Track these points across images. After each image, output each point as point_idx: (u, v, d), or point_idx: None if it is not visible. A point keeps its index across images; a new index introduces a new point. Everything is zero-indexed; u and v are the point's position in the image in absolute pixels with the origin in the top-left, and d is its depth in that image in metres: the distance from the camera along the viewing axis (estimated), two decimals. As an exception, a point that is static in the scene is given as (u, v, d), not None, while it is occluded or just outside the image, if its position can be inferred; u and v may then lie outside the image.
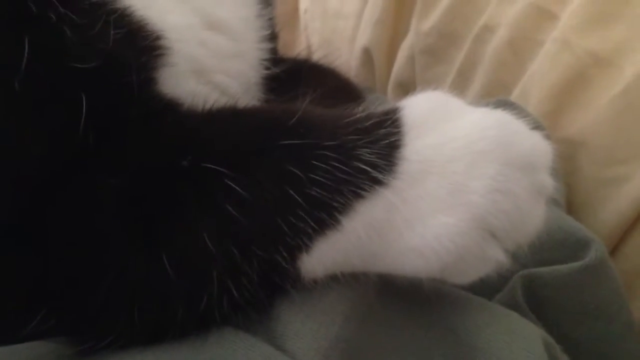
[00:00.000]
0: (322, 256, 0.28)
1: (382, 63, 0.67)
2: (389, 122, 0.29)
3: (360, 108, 0.30)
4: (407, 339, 0.30)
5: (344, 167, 0.27)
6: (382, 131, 0.28)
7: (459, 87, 0.57)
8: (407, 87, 0.64)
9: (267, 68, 0.40)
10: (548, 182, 0.29)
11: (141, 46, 0.30)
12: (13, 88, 0.26)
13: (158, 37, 0.31)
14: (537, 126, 0.44)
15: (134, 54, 0.29)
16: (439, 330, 0.31)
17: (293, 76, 0.44)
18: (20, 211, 0.27)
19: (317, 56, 0.80)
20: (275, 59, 0.43)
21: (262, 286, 0.28)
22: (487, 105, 0.45)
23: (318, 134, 0.28)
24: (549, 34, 0.50)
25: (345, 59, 0.74)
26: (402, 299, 0.32)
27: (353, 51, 0.72)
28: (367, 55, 0.69)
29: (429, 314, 0.32)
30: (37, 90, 0.27)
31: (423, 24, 0.60)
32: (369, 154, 0.27)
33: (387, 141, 0.28)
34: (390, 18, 0.67)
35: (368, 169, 0.27)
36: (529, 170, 0.28)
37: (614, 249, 0.44)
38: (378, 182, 0.27)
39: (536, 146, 0.29)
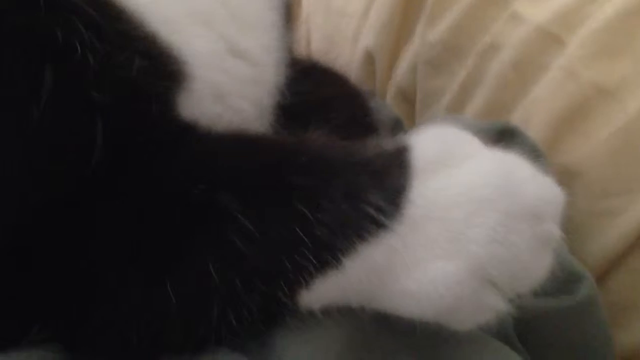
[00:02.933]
0: (321, 292, 0.28)
1: (384, 67, 0.67)
2: (398, 163, 0.29)
3: (371, 143, 0.30)
4: None
5: (352, 210, 0.28)
6: (392, 173, 0.29)
7: (459, 102, 0.57)
8: (407, 95, 0.64)
9: (283, 95, 0.39)
10: (554, 232, 0.29)
11: (164, 74, 0.29)
12: (32, 115, 0.26)
13: (181, 64, 0.30)
14: (536, 152, 0.45)
15: (156, 82, 0.29)
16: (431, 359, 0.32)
17: (304, 79, 0.44)
18: (25, 233, 0.27)
19: (316, 52, 0.80)
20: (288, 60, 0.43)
21: (260, 316, 0.28)
22: (489, 126, 0.46)
23: (329, 174, 0.29)
24: (554, 59, 0.50)
25: (345, 58, 0.73)
26: (396, 328, 0.33)
27: (354, 51, 0.71)
28: (369, 57, 0.69)
29: (421, 344, 0.32)
30: (55, 117, 0.27)
31: (429, 34, 0.60)
32: (376, 197, 0.28)
33: (395, 184, 0.28)
34: (396, 22, 0.66)
35: (374, 213, 0.28)
36: (533, 221, 0.28)
37: (601, 281, 0.45)
38: (383, 227, 0.28)
39: (543, 195, 0.30)
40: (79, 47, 0.27)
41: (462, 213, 0.28)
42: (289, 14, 0.45)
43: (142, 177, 0.28)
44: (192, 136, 0.31)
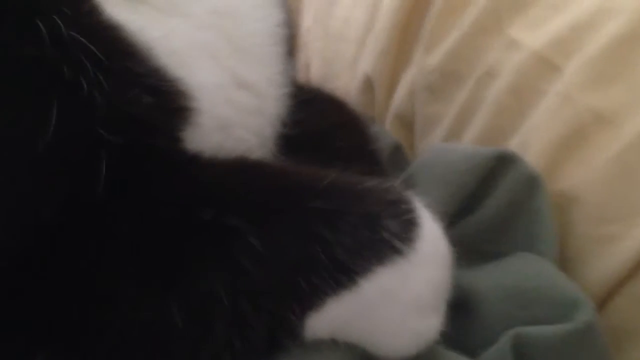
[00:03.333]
0: (330, 316, 0.29)
1: (383, 93, 0.67)
2: (407, 198, 0.31)
3: (379, 180, 0.32)
4: None
5: (370, 234, 0.29)
6: (403, 207, 0.30)
7: (458, 128, 0.57)
8: (406, 121, 0.64)
9: (285, 125, 0.40)
10: None
11: (172, 110, 0.30)
12: (36, 149, 0.26)
13: (189, 99, 0.31)
14: (533, 178, 0.45)
15: (164, 118, 0.30)
16: None
17: (305, 108, 0.44)
18: (29, 256, 0.27)
19: (315, 77, 0.80)
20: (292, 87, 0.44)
21: (265, 341, 0.28)
22: (487, 153, 0.46)
23: (345, 200, 0.30)
24: (552, 85, 0.50)
25: (345, 83, 0.74)
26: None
27: (354, 77, 0.72)
28: (368, 83, 0.69)
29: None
30: (60, 151, 0.27)
31: (427, 61, 0.60)
32: (393, 224, 0.29)
33: (407, 217, 0.30)
34: (394, 49, 0.67)
35: (391, 239, 0.29)
36: None
37: (602, 306, 0.45)
38: (399, 253, 0.29)
39: None
40: (85, 84, 0.27)
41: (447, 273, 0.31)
42: (293, 46, 0.45)
43: (147, 203, 0.29)
44: (198, 163, 0.31)
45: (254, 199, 0.30)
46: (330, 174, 0.31)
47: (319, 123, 0.46)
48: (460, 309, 0.41)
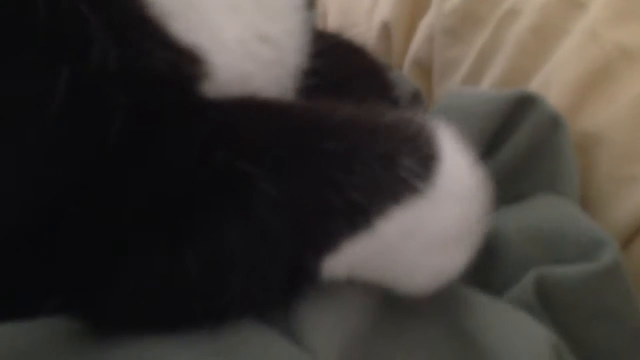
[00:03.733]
0: (347, 258, 0.28)
1: (401, 40, 0.66)
2: (429, 130, 0.30)
3: (398, 112, 0.31)
4: (419, 339, 0.31)
5: (387, 173, 0.28)
6: (422, 141, 0.29)
7: (477, 71, 0.56)
8: (424, 68, 0.63)
9: (305, 76, 0.39)
10: None
11: (188, 67, 0.29)
12: (49, 110, 0.26)
13: (207, 56, 0.30)
14: (556, 119, 0.44)
15: (180, 77, 0.29)
16: (449, 330, 0.32)
17: (325, 56, 0.44)
18: (43, 208, 0.27)
19: (332, 27, 0.79)
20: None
21: (282, 286, 0.28)
22: (507, 96, 0.45)
23: (360, 138, 0.29)
24: (576, 24, 0.49)
25: (362, 32, 0.72)
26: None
27: (371, 25, 0.70)
28: (385, 30, 0.68)
29: (438, 313, 0.32)
30: (72, 114, 0.27)
31: (446, 3, 0.59)
32: (410, 162, 0.28)
33: (426, 152, 0.29)
34: (412, -7, 0.65)
35: (409, 177, 0.28)
36: None
37: (625, 247, 0.44)
38: (416, 191, 0.28)
39: None
40: (97, 48, 0.26)
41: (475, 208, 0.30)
42: None
43: (159, 150, 0.28)
44: (212, 107, 0.30)
45: (265, 141, 0.29)
46: (344, 109, 0.30)
47: (338, 71, 0.44)
48: (485, 251, 0.41)
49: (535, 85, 0.50)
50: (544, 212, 0.41)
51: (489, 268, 0.40)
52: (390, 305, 0.31)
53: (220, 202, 0.28)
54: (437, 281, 0.31)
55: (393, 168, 0.28)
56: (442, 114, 0.46)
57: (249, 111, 0.31)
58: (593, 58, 0.46)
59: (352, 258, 0.29)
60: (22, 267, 0.28)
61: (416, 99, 0.58)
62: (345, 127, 0.29)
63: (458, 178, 0.30)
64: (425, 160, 0.29)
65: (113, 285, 0.27)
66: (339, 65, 0.45)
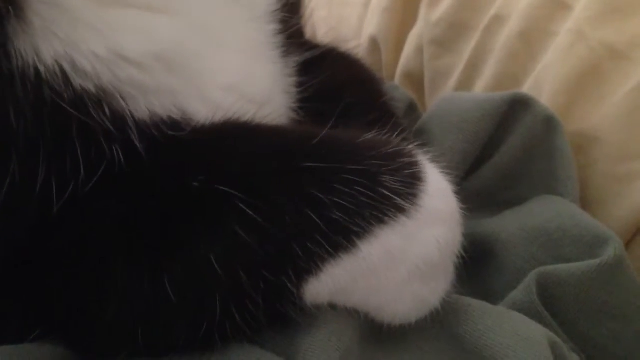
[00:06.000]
0: (330, 280, 0.28)
1: (390, 52, 0.66)
2: (408, 151, 0.29)
3: (380, 131, 0.30)
4: (415, 353, 0.30)
5: (368, 192, 0.27)
6: (404, 161, 0.28)
7: (468, 79, 0.56)
8: (414, 79, 0.63)
9: (298, 88, 0.39)
10: None
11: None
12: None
13: (184, 124, 0.30)
14: (550, 118, 0.44)
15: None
16: (445, 340, 0.31)
17: (319, 65, 0.44)
18: (25, 239, 0.27)
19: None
20: (304, 45, 0.43)
21: (265, 310, 0.27)
22: (501, 97, 0.45)
23: (341, 158, 0.28)
24: (562, 25, 0.49)
25: (351, 48, 0.73)
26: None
27: (360, 41, 0.71)
28: (374, 44, 0.68)
29: (433, 325, 0.31)
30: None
31: (432, 14, 0.59)
32: (392, 181, 0.27)
33: (408, 172, 0.28)
34: (399, 6, 0.66)
35: (392, 196, 0.27)
36: None
37: (626, 244, 0.44)
38: (401, 210, 0.27)
39: None
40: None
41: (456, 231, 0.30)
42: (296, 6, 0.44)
43: (134, 175, 0.27)
44: (190, 128, 0.30)
45: (244, 163, 0.28)
46: (323, 130, 0.29)
47: (333, 80, 0.44)
48: (486, 256, 0.40)
49: (526, 90, 0.50)
50: (544, 212, 0.41)
51: (492, 272, 0.40)
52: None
53: (197, 222, 0.27)
54: (419, 310, 0.30)
55: (375, 186, 0.27)
56: (437, 118, 0.46)
57: (229, 134, 0.30)
58: (581, 58, 0.46)
59: (335, 281, 0.28)
60: (6, 297, 0.28)
61: (411, 109, 0.58)
62: (324, 147, 0.29)
63: (442, 199, 0.29)
64: (408, 178, 0.28)
65: (97, 316, 0.27)
66: (335, 72, 0.45)
